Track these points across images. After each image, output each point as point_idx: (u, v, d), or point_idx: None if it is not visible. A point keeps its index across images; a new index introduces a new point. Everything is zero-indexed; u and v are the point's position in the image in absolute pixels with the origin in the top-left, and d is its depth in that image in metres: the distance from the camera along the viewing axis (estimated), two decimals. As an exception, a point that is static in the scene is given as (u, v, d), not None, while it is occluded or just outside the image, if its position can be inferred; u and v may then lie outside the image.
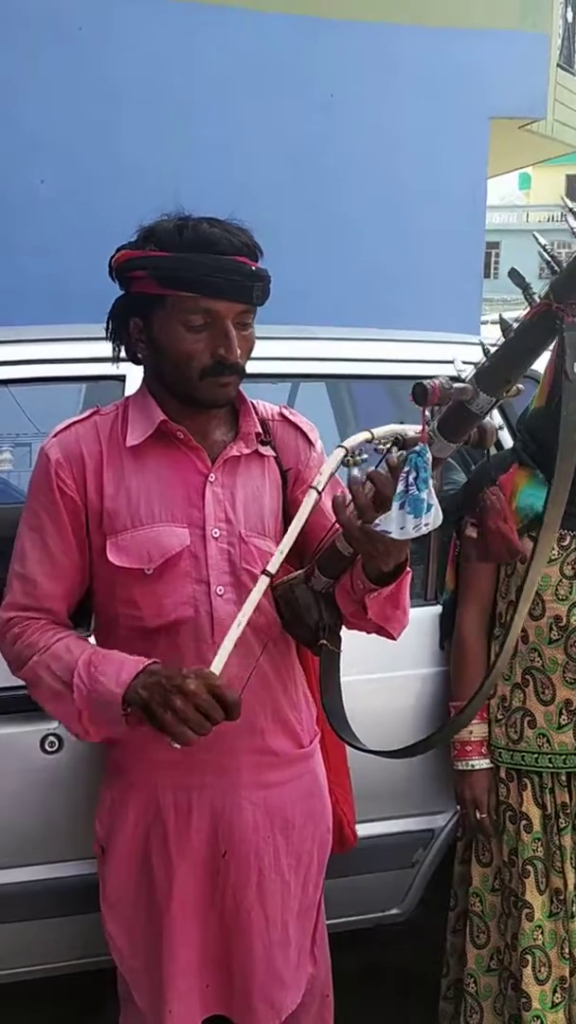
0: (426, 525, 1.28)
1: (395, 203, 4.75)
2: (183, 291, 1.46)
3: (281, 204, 4.11)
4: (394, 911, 2.32)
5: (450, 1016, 2.22)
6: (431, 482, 1.28)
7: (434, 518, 1.28)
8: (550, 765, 2.02)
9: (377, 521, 1.31)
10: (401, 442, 1.35)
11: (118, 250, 1.54)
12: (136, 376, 2.06)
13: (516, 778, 2.06)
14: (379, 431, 1.38)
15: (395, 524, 1.28)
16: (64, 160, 4.18)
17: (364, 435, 1.39)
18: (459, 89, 4.84)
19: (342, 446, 1.40)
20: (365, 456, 1.39)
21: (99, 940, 1.74)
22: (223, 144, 4.34)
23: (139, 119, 4.27)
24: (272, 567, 1.42)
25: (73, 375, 2.20)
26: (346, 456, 1.39)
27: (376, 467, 1.36)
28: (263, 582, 1.41)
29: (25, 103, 4.12)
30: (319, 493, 1.42)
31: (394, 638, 1.58)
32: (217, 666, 1.37)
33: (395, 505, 1.29)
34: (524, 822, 2.03)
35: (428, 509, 1.27)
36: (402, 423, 1.37)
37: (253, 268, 1.49)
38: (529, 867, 2.02)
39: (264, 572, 1.42)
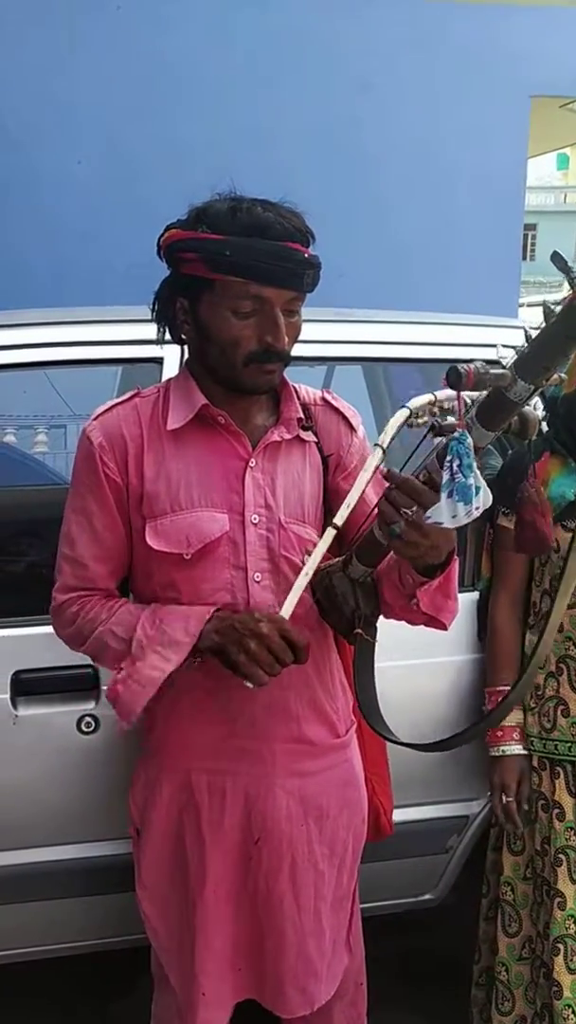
0: (477, 509, 1.27)
1: (433, 183, 4.69)
2: (233, 276, 1.43)
3: (319, 184, 4.07)
4: (427, 896, 2.32)
5: (482, 1003, 2.22)
6: (475, 465, 1.27)
7: (484, 500, 1.28)
8: None
9: (428, 514, 1.30)
10: (438, 428, 1.34)
11: (167, 228, 1.51)
12: (174, 359, 2.07)
13: (549, 767, 2.04)
14: (441, 394, 1.37)
15: (446, 514, 1.27)
16: (102, 140, 4.18)
17: (428, 397, 1.38)
18: (500, 66, 4.76)
19: (406, 406, 1.39)
20: (425, 419, 1.38)
21: (133, 919, 1.76)
22: (261, 124, 4.30)
23: (177, 99, 4.25)
24: (339, 519, 1.45)
25: (110, 357, 2.19)
26: (410, 417, 1.39)
27: (406, 462, 1.36)
28: (329, 533, 1.46)
29: (63, 82, 4.12)
30: (384, 451, 1.42)
31: (445, 628, 1.57)
32: (286, 611, 1.44)
33: (443, 495, 1.28)
34: (557, 811, 2.02)
35: (477, 492, 1.27)
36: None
37: (305, 255, 1.46)
38: (562, 856, 2.00)
39: (331, 524, 1.46)
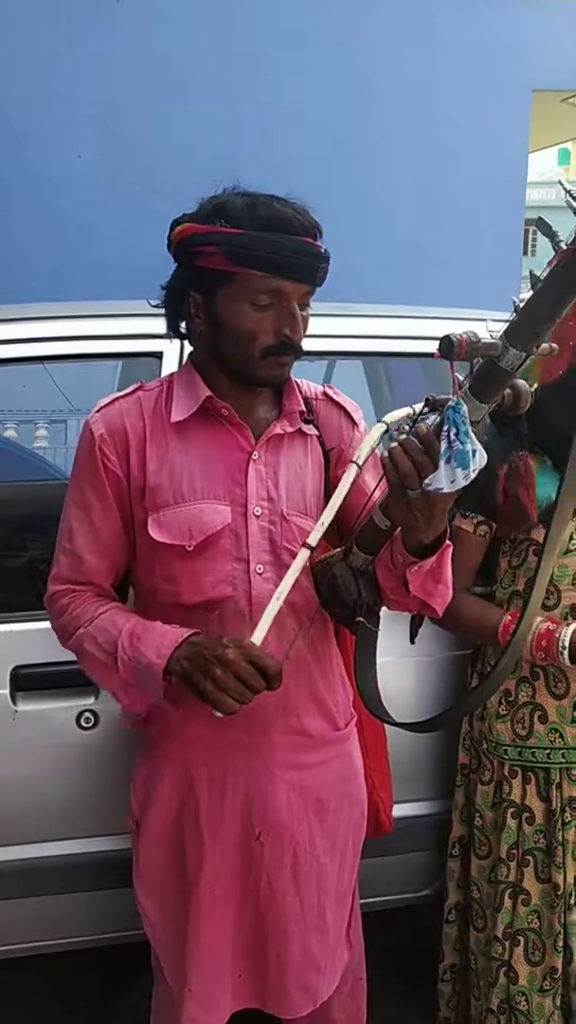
0: (474, 471, 1.29)
1: (434, 178, 4.70)
2: (255, 270, 1.44)
3: (319, 179, 4.05)
4: (428, 891, 2.32)
5: (448, 995, 2.20)
6: (471, 431, 1.28)
7: (480, 460, 1.29)
8: (563, 760, 1.96)
9: (427, 481, 1.31)
10: (432, 402, 1.34)
11: (177, 223, 1.51)
12: (173, 354, 2.07)
13: (520, 774, 2.00)
14: (420, 407, 1.37)
15: (445, 480, 1.29)
16: (102, 134, 4.18)
17: (406, 410, 1.39)
18: (501, 61, 4.76)
19: (383, 422, 1.39)
20: (405, 433, 1.38)
21: (134, 914, 1.75)
22: (261, 118, 4.30)
23: (177, 93, 4.25)
24: (312, 540, 1.44)
25: (110, 352, 2.19)
26: (387, 432, 1.39)
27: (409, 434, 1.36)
28: (303, 555, 1.45)
29: (63, 77, 4.12)
30: (359, 467, 1.44)
31: (438, 614, 1.57)
32: (257, 637, 1.42)
33: (441, 462, 1.29)
34: (527, 815, 1.99)
35: (474, 456, 1.28)
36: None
37: (321, 250, 1.48)
38: (529, 857, 1.98)
39: (304, 545, 1.45)
